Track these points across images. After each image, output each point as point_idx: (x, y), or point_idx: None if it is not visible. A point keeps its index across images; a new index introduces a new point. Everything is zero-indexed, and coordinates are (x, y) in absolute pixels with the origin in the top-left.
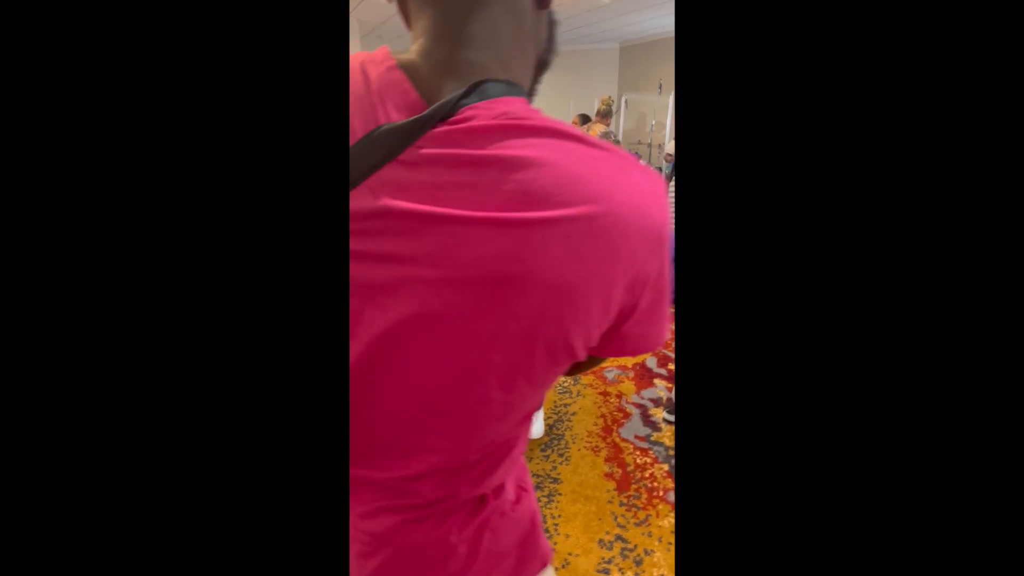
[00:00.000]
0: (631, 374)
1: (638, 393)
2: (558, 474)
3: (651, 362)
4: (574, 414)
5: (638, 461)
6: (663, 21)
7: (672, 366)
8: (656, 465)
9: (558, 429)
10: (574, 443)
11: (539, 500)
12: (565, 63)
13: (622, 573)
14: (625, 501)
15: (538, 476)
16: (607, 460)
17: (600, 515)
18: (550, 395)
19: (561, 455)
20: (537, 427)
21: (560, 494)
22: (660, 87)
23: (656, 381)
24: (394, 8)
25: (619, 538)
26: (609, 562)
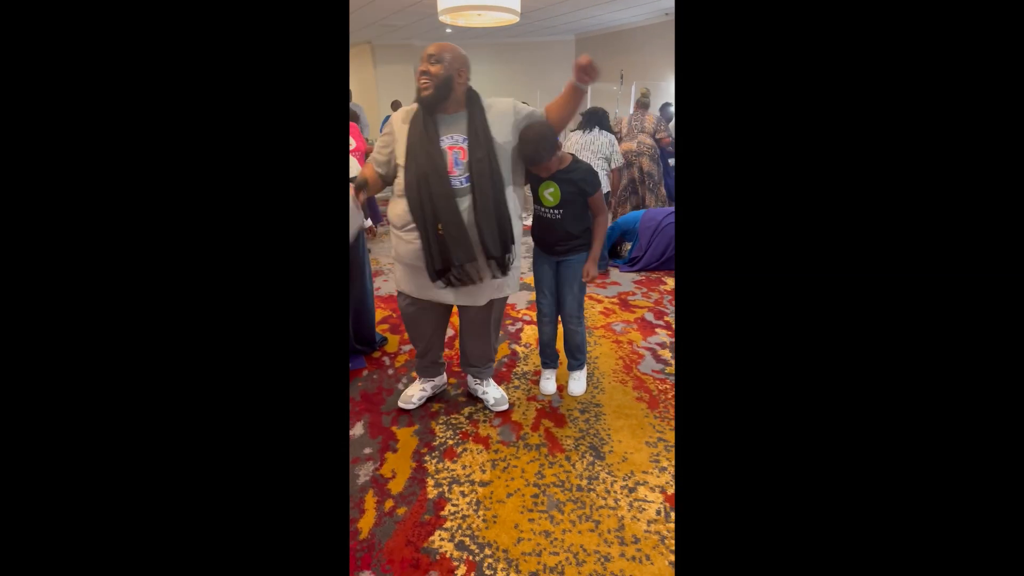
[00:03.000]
0: (635, 326)
1: (645, 340)
2: (598, 401)
3: (649, 316)
4: (597, 358)
5: (659, 387)
6: (618, 15)
7: (668, 318)
8: (674, 389)
9: (587, 370)
10: (604, 379)
11: (588, 420)
12: (524, 55)
13: (669, 462)
14: (658, 415)
15: (582, 402)
16: (634, 388)
17: (640, 426)
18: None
19: (596, 387)
20: (579, 385)
21: (604, 414)
22: (621, 78)
23: (657, 330)
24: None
25: (660, 439)
26: (657, 455)
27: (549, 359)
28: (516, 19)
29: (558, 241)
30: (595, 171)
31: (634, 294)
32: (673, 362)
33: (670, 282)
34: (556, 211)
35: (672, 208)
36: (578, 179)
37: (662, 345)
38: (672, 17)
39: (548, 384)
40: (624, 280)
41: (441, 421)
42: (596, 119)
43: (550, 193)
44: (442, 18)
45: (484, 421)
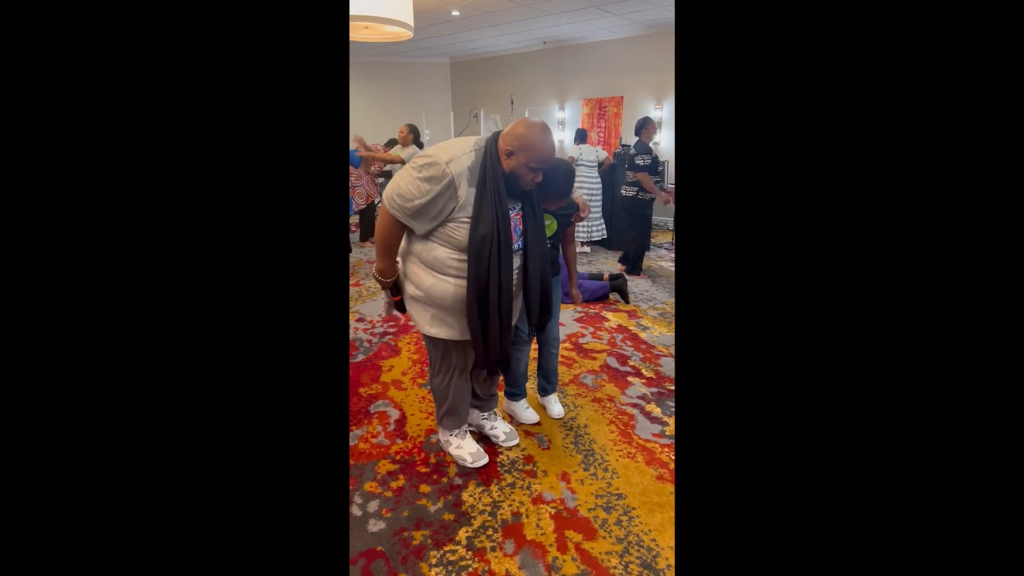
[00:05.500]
0: (605, 376)
1: (624, 394)
2: (618, 489)
3: (612, 362)
4: (586, 426)
5: (671, 456)
6: (495, 41)
7: (632, 363)
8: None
9: (583, 444)
10: (609, 455)
11: (619, 521)
12: (401, 76)
13: None
14: None
15: (602, 496)
16: (647, 464)
17: None
18: (556, 420)
19: (606, 470)
20: (559, 407)
21: (633, 508)
22: (512, 102)
23: (630, 379)
24: None
25: None
26: None
27: (521, 388)
28: (410, 34)
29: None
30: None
31: (584, 335)
32: (666, 419)
33: (612, 318)
34: (548, 243)
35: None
36: (570, 213)
37: (645, 399)
38: (549, 46)
39: (529, 413)
40: (567, 320)
41: (434, 560)
42: (581, 136)
43: (547, 226)
44: None
45: (492, 548)
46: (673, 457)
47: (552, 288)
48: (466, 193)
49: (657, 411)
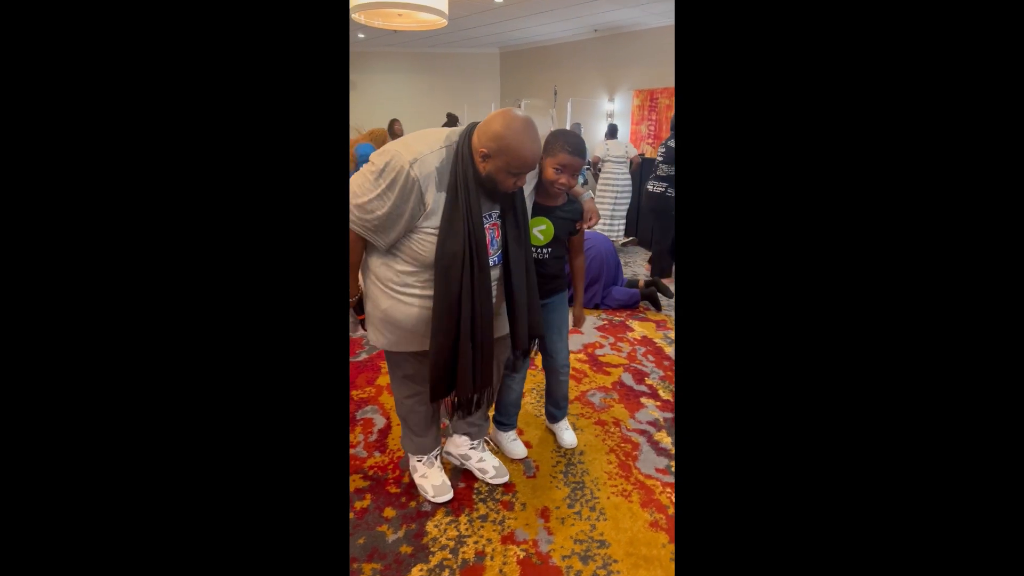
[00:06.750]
0: (616, 396)
1: (633, 417)
2: (601, 535)
3: (628, 379)
4: (582, 452)
5: (672, 499)
6: (545, 29)
7: (650, 380)
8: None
9: (574, 475)
10: (600, 491)
11: (597, 574)
12: (446, 66)
13: None
14: None
15: (582, 542)
16: (643, 505)
17: None
18: (549, 441)
19: (593, 509)
20: (571, 435)
21: (615, 561)
22: (555, 94)
23: (643, 400)
24: None
25: None
26: None
27: (511, 419)
28: (444, 22)
29: (543, 283)
30: (581, 206)
31: (602, 346)
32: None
33: (637, 327)
34: (544, 250)
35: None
36: (573, 215)
37: (655, 425)
38: (600, 34)
39: (516, 447)
40: (587, 328)
41: None
42: (612, 131)
43: (540, 231)
44: (355, 17)
45: None
46: (672, 499)
47: (558, 308)
48: (434, 199)
49: (667, 441)
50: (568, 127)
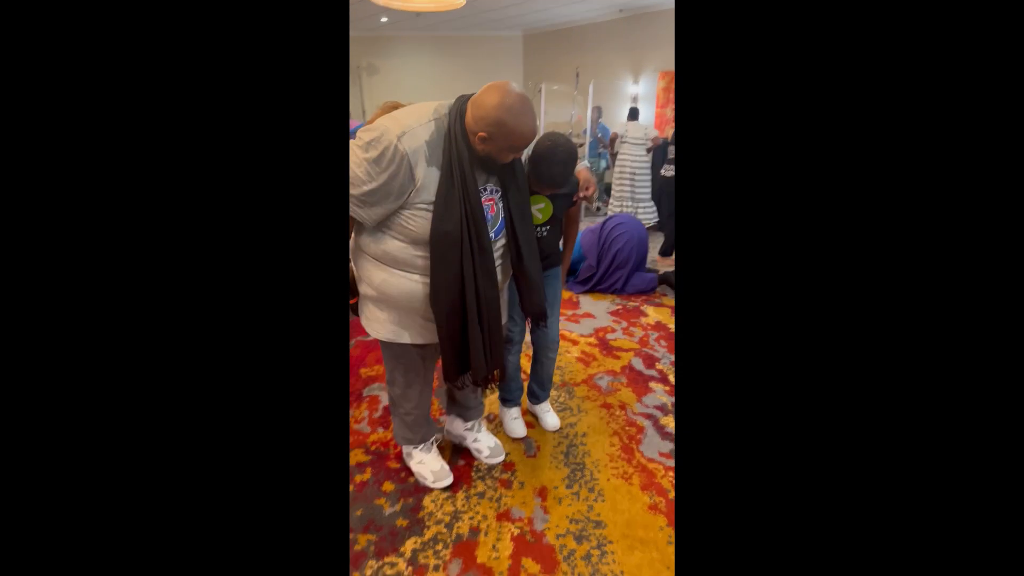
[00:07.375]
0: (624, 379)
1: (640, 401)
2: (598, 516)
3: (638, 363)
4: (584, 435)
5: (673, 482)
6: (569, 9)
7: (660, 365)
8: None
9: (575, 456)
10: (601, 472)
11: (591, 555)
12: (468, 49)
13: None
14: None
15: (578, 521)
16: (643, 488)
17: (665, 562)
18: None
19: (592, 490)
20: (554, 417)
21: (611, 541)
22: (577, 76)
23: (652, 385)
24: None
25: None
26: None
27: (514, 394)
28: (462, 1)
29: (540, 259)
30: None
31: (614, 331)
32: None
33: (652, 313)
34: (543, 228)
35: (612, 214)
36: (570, 189)
37: (663, 409)
38: (625, 14)
39: (517, 425)
40: (599, 312)
41: (369, 572)
42: (634, 113)
43: (539, 210)
44: None
45: (436, 567)
46: (673, 482)
47: (552, 282)
48: (424, 173)
49: (672, 426)
50: (589, 110)
